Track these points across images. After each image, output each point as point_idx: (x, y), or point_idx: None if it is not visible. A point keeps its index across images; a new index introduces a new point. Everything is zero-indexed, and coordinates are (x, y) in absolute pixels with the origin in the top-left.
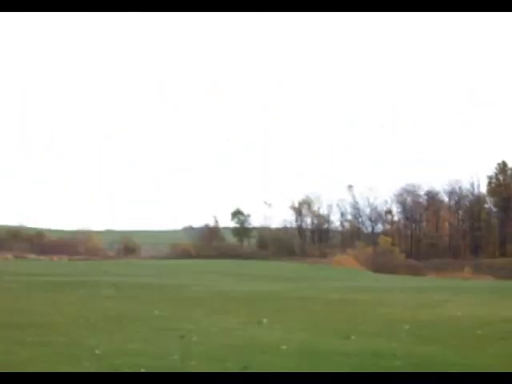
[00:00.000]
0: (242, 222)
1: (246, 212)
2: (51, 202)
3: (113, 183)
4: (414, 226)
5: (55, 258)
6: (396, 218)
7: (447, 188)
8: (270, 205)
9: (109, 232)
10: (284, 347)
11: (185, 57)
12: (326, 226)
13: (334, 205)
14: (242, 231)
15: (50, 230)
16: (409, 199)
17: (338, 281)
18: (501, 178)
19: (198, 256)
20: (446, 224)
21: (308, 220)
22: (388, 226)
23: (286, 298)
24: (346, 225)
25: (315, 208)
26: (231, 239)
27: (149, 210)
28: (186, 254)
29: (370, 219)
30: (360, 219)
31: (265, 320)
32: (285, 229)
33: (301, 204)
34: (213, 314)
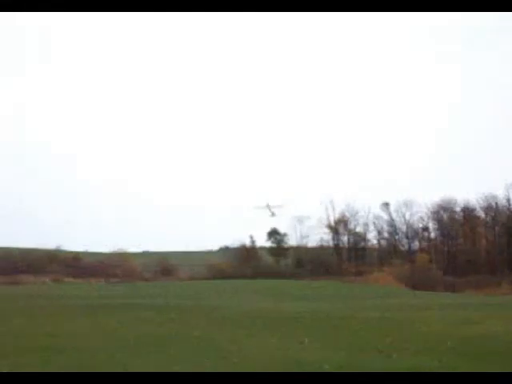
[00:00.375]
0: (278, 242)
1: (282, 231)
2: (87, 225)
3: (147, 204)
4: (450, 242)
5: (92, 280)
6: (433, 235)
7: (483, 204)
8: (305, 223)
9: (145, 254)
10: (326, 366)
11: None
12: (362, 244)
13: (370, 223)
14: (279, 250)
15: (86, 253)
16: (445, 216)
17: (376, 299)
18: None
19: (235, 276)
20: (483, 240)
21: (344, 238)
22: (425, 243)
23: (325, 317)
24: (383, 242)
25: (351, 226)
26: (268, 259)
27: (185, 230)
28: (222, 274)
29: (407, 236)
30: (396, 237)
31: (306, 340)
32: (321, 247)
33: (337, 222)
34: (253, 334)
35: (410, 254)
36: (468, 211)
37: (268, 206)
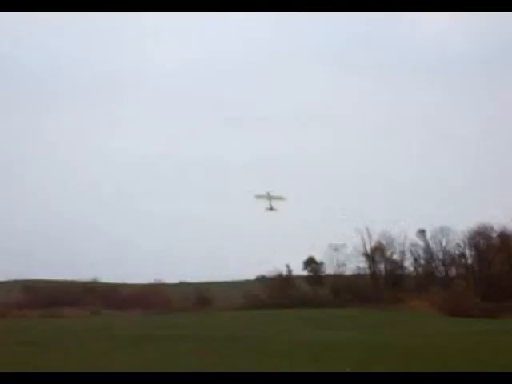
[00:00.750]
0: (314, 270)
1: (318, 260)
2: (124, 256)
3: (184, 234)
4: (487, 268)
5: (130, 312)
6: (469, 261)
7: None
8: (341, 252)
9: (182, 284)
10: None
11: None
12: (399, 271)
13: (407, 250)
14: (315, 279)
15: (123, 284)
16: (481, 242)
17: (415, 326)
18: None
19: (273, 305)
20: None
21: (381, 266)
22: (462, 270)
23: (365, 346)
24: (420, 269)
25: (388, 254)
26: (304, 287)
27: (221, 260)
28: (260, 304)
29: (444, 263)
30: (433, 264)
31: (348, 369)
32: (358, 275)
33: (373, 250)
34: (296, 364)
35: (446, 281)
36: (505, 237)
37: (268, 196)
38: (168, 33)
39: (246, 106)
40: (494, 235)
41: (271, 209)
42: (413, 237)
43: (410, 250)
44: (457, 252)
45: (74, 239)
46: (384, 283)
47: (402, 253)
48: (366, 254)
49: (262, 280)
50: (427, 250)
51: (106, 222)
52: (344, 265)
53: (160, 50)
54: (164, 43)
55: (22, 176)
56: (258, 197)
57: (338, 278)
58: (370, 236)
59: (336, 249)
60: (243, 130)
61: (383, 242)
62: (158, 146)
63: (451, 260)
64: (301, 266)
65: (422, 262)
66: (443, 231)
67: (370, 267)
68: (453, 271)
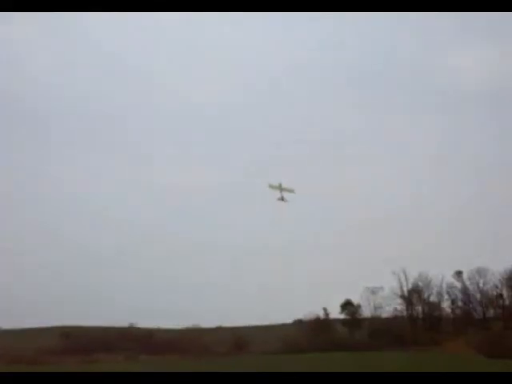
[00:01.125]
0: (351, 313)
1: (355, 302)
2: (160, 301)
3: (220, 280)
4: None
5: (166, 357)
6: (507, 302)
7: None
8: (378, 294)
9: (219, 329)
10: None
11: None
12: (436, 313)
13: (444, 292)
14: (353, 322)
15: (160, 330)
16: None
17: (454, 369)
18: None
19: (310, 349)
20: None
21: (418, 308)
22: (499, 310)
23: None
24: (457, 311)
25: (425, 296)
26: (342, 330)
27: (258, 304)
28: (297, 348)
29: (481, 304)
30: (471, 305)
31: None
32: (395, 318)
33: (410, 292)
34: None
35: (484, 322)
36: None
37: (280, 187)
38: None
39: None
40: None
41: (282, 199)
42: (450, 278)
43: (447, 292)
44: (494, 293)
45: (111, 285)
46: (422, 325)
47: (440, 294)
48: (402, 297)
49: (299, 324)
50: (464, 291)
51: (144, 268)
52: (381, 307)
53: None
54: None
55: (60, 224)
56: (272, 187)
57: (376, 321)
58: (406, 278)
59: (373, 291)
60: None
61: (420, 283)
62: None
63: (489, 301)
64: (338, 309)
65: (460, 303)
66: (480, 272)
67: (407, 309)
68: (490, 312)
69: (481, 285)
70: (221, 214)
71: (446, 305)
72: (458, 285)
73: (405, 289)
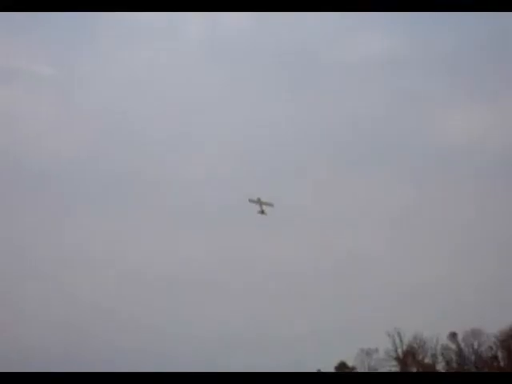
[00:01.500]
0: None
1: (350, 364)
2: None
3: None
4: None
5: None
6: (502, 364)
7: None
8: (372, 356)
9: None
10: None
11: None
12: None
13: (439, 353)
14: None
15: None
16: None
17: None
18: None
19: None
20: None
21: (413, 370)
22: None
23: None
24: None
25: (420, 357)
26: None
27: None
28: None
29: (476, 366)
30: (465, 367)
31: None
32: None
33: (405, 354)
34: None
35: None
36: None
37: (259, 201)
38: None
39: None
40: None
41: (262, 212)
42: (444, 340)
43: (442, 354)
44: (489, 354)
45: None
46: None
47: (434, 356)
48: (397, 359)
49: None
50: (459, 352)
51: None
52: (376, 369)
53: None
54: None
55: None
56: (251, 201)
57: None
58: (401, 340)
59: (368, 353)
60: None
61: (415, 345)
62: None
63: (483, 363)
64: (333, 370)
65: (454, 365)
66: (475, 334)
67: (401, 371)
68: None
69: (475, 346)
70: None
71: (440, 366)
72: (453, 346)
73: (399, 350)
